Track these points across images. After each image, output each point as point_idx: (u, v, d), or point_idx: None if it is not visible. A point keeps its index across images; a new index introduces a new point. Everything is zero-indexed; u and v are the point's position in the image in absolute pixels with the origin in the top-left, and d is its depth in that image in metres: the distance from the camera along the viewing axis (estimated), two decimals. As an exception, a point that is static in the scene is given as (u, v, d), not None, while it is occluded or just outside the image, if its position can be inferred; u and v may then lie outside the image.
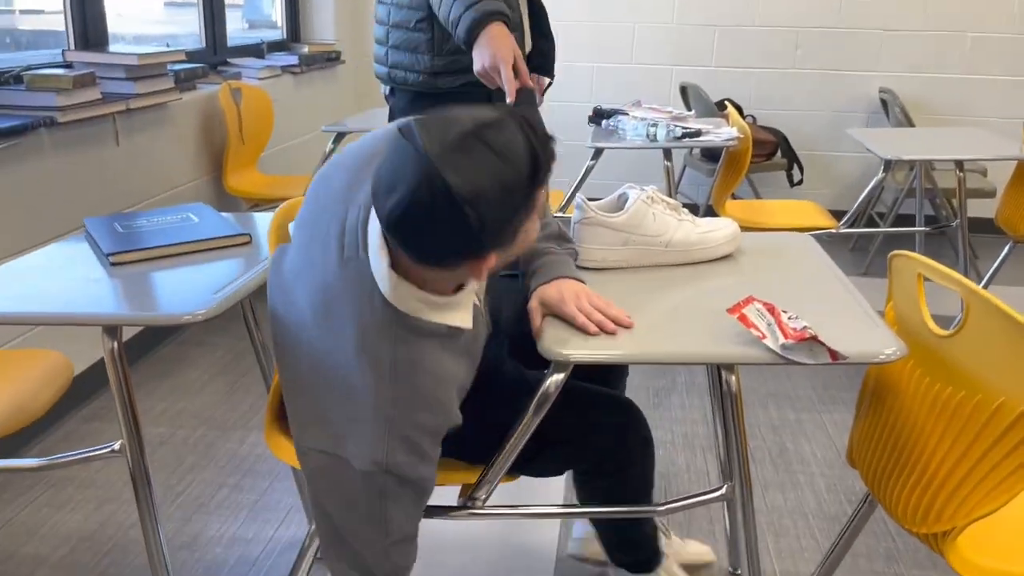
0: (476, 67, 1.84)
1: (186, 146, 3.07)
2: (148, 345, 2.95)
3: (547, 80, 2.32)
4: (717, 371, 1.29)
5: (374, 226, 1.08)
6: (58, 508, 2.06)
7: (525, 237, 1.10)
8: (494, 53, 1.80)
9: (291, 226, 1.24)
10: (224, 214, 1.71)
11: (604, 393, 1.42)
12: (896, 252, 1.27)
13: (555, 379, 1.19)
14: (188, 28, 3.58)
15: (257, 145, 3.45)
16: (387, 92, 2.22)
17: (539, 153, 1.01)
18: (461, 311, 1.15)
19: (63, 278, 1.37)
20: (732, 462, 1.27)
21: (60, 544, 1.93)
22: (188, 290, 1.30)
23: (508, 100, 1.83)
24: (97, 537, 1.95)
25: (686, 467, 2.25)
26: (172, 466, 2.25)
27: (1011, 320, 1.04)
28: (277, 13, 4.41)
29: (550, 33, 2.26)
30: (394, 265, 1.08)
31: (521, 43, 2.10)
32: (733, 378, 1.25)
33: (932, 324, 1.20)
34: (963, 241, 2.78)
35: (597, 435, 1.38)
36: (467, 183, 0.95)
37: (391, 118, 2.28)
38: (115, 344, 1.30)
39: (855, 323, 1.21)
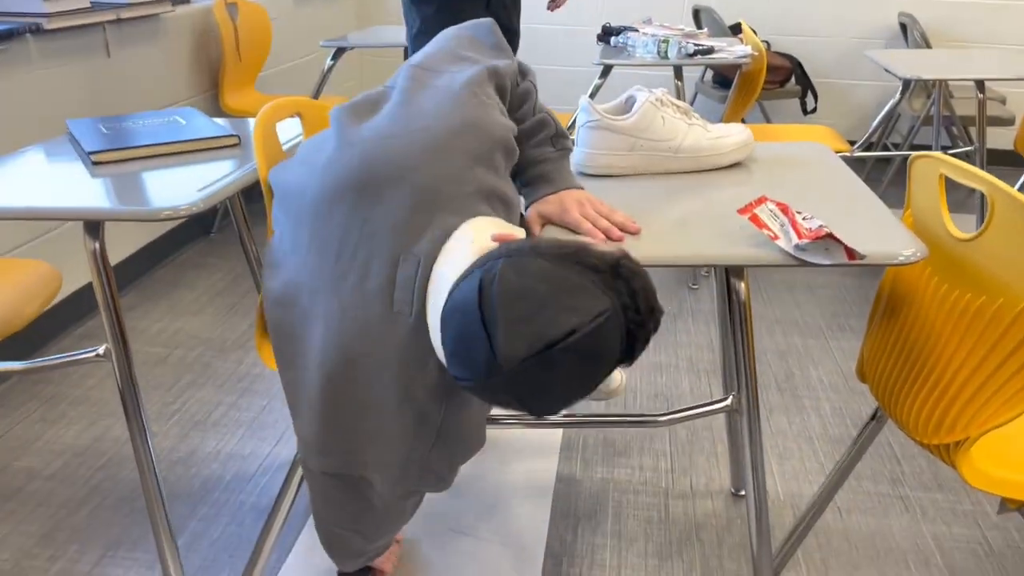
0: None
1: (180, 61, 2.97)
2: (145, 267, 2.91)
3: None
4: (726, 279, 1.23)
5: (436, 300, 0.95)
6: (52, 423, 2.04)
7: None
8: None
9: (277, 208, 1.12)
10: (215, 119, 1.64)
11: None
12: (918, 153, 1.20)
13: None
14: None
15: (255, 63, 3.35)
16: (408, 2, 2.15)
17: (636, 340, 0.87)
18: None
19: (43, 177, 1.31)
20: (739, 372, 1.22)
21: (54, 458, 1.91)
22: (172, 188, 1.24)
23: None
24: (91, 452, 1.93)
25: (690, 390, 2.21)
26: (169, 384, 2.22)
27: (1041, 218, 0.98)
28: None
29: None
30: None
31: None
32: (742, 284, 1.19)
33: (953, 227, 1.13)
34: (981, 164, 2.69)
35: None
36: (539, 400, 0.85)
37: (409, 36, 2.21)
38: (97, 244, 1.24)
39: (873, 226, 1.14)
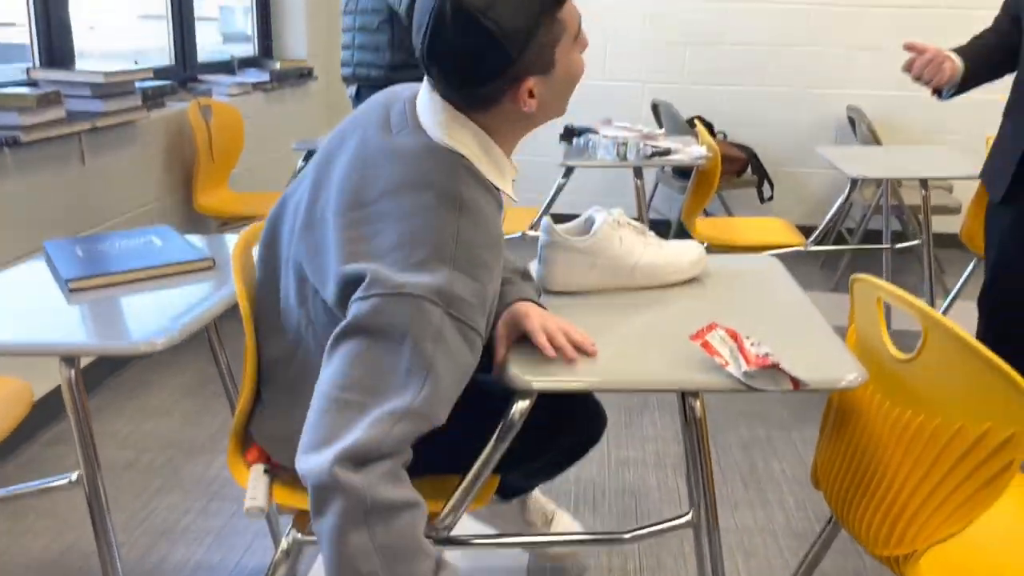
0: None
1: (154, 164, 3.04)
2: (113, 366, 2.91)
3: None
4: (682, 396, 1.29)
5: (423, 95, 1.15)
6: (19, 536, 2.02)
7: (568, 68, 1.14)
8: None
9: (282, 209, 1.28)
10: (189, 236, 1.69)
11: (560, 401, 1.43)
12: (856, 276, 1.28)
13: (520, 407, 1.19)
14: (163, 42, 3.54)
15: (227, 162, 3.42)
16: (352, 95, 2.43)
17: None
18: (508, 180, 1.19)
19: (20, 305, 1.34)
20: (697, 488, 1.27)
21: (20, 572, 1.89)
22: (148, 318, 1.28)
23: None
24: (58, 566, 1.91)
25: (657, 487, 2.25)
26: (137, 490, 2.21)
27: (967, 346, 1.05)
28: (250, 28, 4.39)
29: None
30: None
31: None
32: (698, 403, 1.25)
33: (892, 348, 1.21)
34: (927, 258, 2.81)
35: (555, 446, 1.40)
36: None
37: None
38: (72, 373, 1.27)
39: (817, 348, 1.21)
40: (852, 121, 4.10)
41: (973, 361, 1.05)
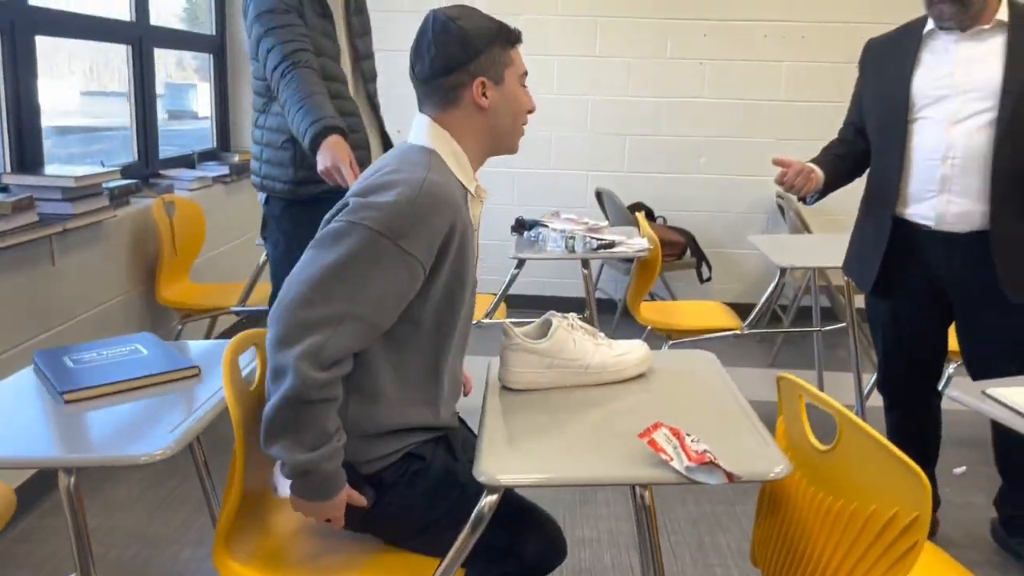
0: (319, 168, 2.23)
1: (120, 260, 3.13)
2: (77, 459, 2.94)
3: None
4: (632, 488, 1.44)
5: (415, 119, 1.51)
6: (-11, 637, 2.04)
7: (515, 93, 1.49)
8: (333, 155, 2.19)
9: None
10: (169, 344, 1.80)
11: (531, 509, 1.56)
12: (781, 375, 1.46)
13: (489, 500, 1.32)
14: (106, 119, 3.62)
15: (189, 255, 3.53)
16: (263, 200, 2.61)
17: (507, 26, 1.49)
18: (470, 179, 1.51)
19: (17, 417, 1.44)
20: (648, 573, 1.41)
21: (-7, 675, 1.91)
22: (143, 428, 1.39)
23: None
24: (31, 665, 1.94)
25: (612, 565, 2.37)
26: (106, 587, 2.25)
27: (875, 440, 1.23)
28: (201, 107, 4.53)
29: None
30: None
31: (369, 160, 2.56)
32: (647, 493, 1.40)
33: (814, 440, 1.38)
34: (853, 339, 3.04)
35: (521, 550, 1.52)
36: (454, 9, 1.46)
37: (264, 225, 2.65)
38: (71, 480, 1.37)
39: (748, 442, 1.38)
40: (781, 208, 4.40)
41: (880, 453, 1.22)
